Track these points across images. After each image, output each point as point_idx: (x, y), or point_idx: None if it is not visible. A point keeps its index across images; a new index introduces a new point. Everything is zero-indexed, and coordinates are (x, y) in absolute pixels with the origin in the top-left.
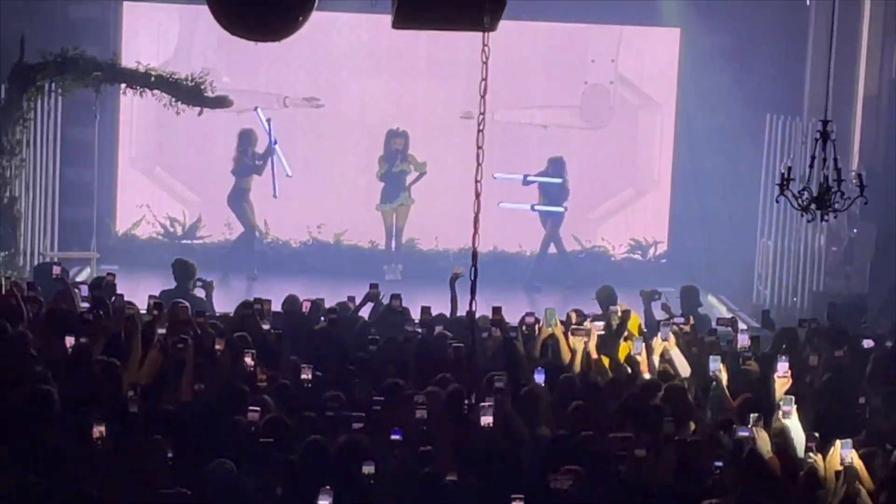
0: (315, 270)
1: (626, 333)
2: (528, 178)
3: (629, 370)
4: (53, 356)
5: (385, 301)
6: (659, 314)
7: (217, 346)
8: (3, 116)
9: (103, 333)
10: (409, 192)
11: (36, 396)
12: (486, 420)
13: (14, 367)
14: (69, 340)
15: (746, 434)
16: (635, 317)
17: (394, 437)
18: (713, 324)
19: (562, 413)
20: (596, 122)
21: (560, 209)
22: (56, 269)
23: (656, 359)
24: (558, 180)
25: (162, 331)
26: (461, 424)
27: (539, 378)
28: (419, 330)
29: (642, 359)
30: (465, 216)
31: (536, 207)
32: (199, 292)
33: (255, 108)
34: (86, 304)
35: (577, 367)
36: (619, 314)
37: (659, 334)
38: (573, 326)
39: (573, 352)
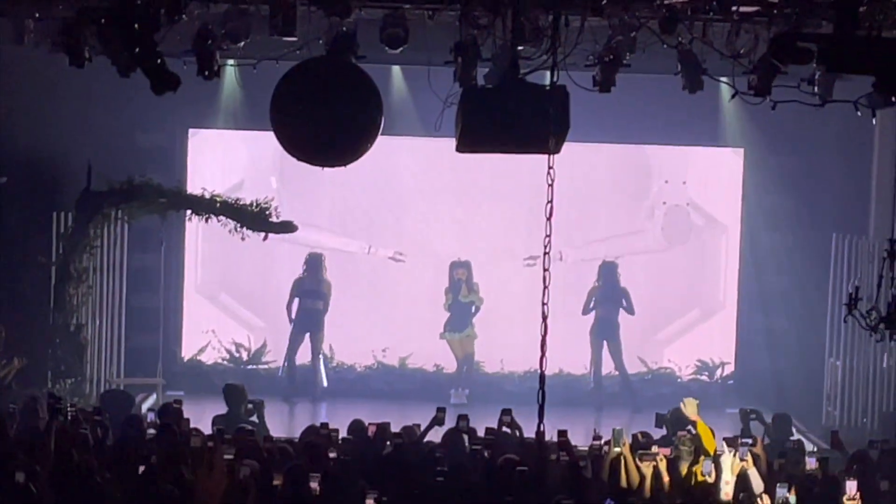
0: (380, 394)
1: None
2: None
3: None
4: (122, 483)
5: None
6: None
7: (276, 482)
8: (71, 244)
9: (169, 460)
10: (473, 325)
11: None
12: None
13: (81, 494)
14: (139, 468)
15: None
16: (708, 435)
17: None
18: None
19: None
20: (677, 241)
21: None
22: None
23: (733, 479)
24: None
25: (228, 457)
26: None
27: None
28: (486, 453)
29: (712, 479)
30: (529, 339)
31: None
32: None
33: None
34: (153, 431)
35: (647, 491)
36: (688, 438)
37: (737, 454)
38: (640, 452)
39: (642, 475)
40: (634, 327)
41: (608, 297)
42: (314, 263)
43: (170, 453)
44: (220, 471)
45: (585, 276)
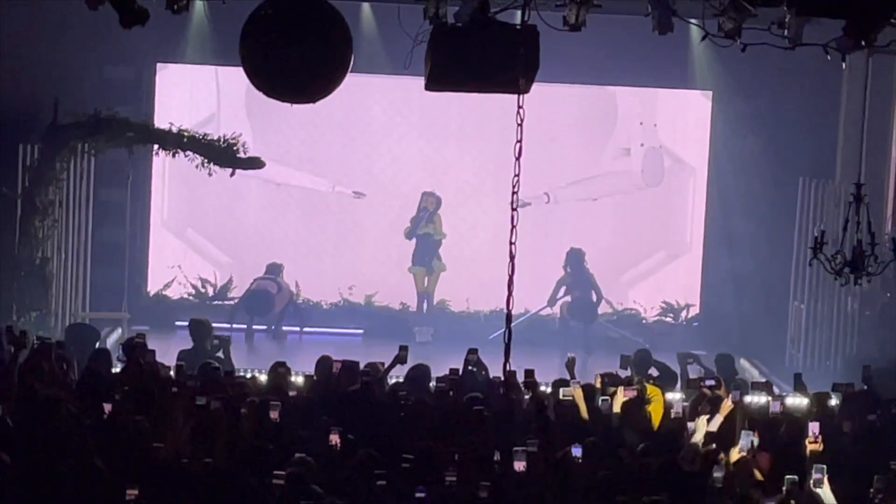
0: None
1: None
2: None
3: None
4: (90, 415)
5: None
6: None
7: (243, 411)
8: (37, 177)
9: (135, 394)
10: (440, 258)
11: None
12: (520, 465)
13: (48, 427)
14: (106, 405)
15: None
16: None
17: (418, 494)
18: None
19: (595, 479)
20: (653, 183)
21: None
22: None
23: (702, 422)
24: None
25: (200, 402)
26: (492, 480)
27: (576, 452)
28: (451, 393)
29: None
30: (496, 279)
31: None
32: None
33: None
34: (120, 363)
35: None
36: (650, 383)
37: (730, 396)
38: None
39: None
40: (601, 268)
41: (579, 282)
42: (274, 269)
43: (137, 385)
44: (185, 414)
45: (568, 215)
